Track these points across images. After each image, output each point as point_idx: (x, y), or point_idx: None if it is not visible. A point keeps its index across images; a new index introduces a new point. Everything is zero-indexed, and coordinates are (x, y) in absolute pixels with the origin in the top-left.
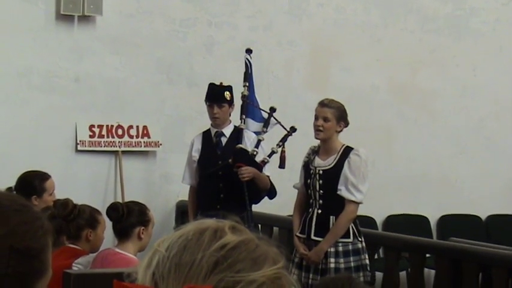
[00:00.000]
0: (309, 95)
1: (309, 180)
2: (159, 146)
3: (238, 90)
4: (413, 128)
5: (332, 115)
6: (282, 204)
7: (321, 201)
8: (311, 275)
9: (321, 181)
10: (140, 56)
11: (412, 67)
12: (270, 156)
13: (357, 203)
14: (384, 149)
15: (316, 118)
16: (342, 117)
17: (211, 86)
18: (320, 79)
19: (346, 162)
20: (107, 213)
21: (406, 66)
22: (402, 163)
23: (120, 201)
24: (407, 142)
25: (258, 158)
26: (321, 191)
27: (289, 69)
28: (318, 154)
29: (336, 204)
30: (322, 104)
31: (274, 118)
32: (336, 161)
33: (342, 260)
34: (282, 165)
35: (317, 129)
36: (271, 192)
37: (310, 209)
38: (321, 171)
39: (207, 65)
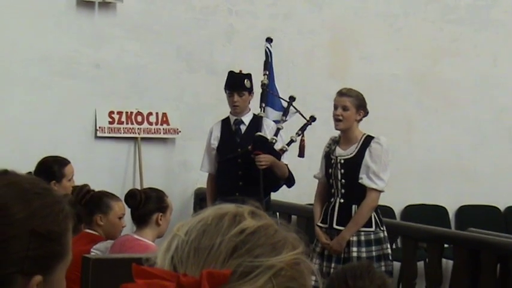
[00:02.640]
0: (328, 84)
1: (330, 170)
2: (178, 133)
3: (258, 78)
4: (433, 117)
5: (351, 104)
6: (300, 192)
7: (343, 191)
8: (333, 264)
9: (342, 170)
10: (160, 43)
11: (433, 57)
12: (289, 144)
13: (379, 191)
14: (403, 139)
15: (335, 108)
16: (361, 106)
17: (231, 74)
18: (340, 68)
19: (367, 150)
20: (125, 200)
21: (427, 56)
22: (421, 153)
23: (139, 188)
24: (427, 132)
25: (277, 147)
26: (343, 180)
27: (309, 58)
28: (339, 144)
29: (357, 193)
30: (341, 93)
31: (294, 107)
32: (357, 150)
33: (363, 250)
34: (301, 154)
35: (336, 119)
36: (290, 181)
37: (332, 199)
38: (342, 161)
39: (227, 53)
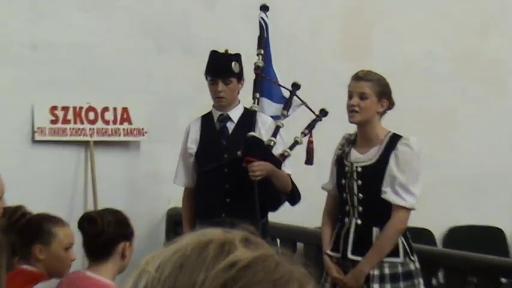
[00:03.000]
0: (343, 67)
1: (343, 181)
2: (143, 135)
3: (250, 60)
4: (482, 110)
5: (370, 90)
6: (308, 212)
7: (360, 208)
8: None
9: (359, 181)
10: (119, 16)
11: (481, 30)
12: (292, 148)
13: (408, 209)
14: (443, 138)
15: (350, 96)
16: (384, 93)
17: (214, 55)
18: (358, 46)
19: (392, 155)
20: (81, 227)
21: (474, 27)
22: (468, 157)
23: (92, 207)
24: (475, 129)
25: (276, 151)
26: (360, 195)
27: (318, 32)
28: (355, 145)
29: (379, 211)
30: (357, 77)
31: (298, 97)
32: (379, 154)
33: (388, 286)
34: (309, 160)
35: (351, 110)
36: (294, 196)
37: (347, 219)
38: (359, 168)
39: (208, 27)
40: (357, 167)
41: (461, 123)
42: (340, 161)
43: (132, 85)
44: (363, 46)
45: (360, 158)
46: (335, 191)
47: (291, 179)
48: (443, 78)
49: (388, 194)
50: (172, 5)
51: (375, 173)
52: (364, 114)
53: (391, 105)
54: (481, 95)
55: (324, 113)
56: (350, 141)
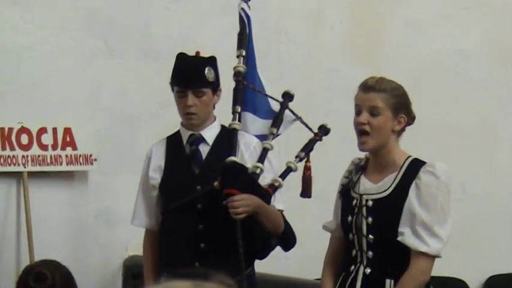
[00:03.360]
0: (349, 72)
1: (349, 218)
2: (92, 163)
3: (229, 64)
4: None
5: (384, 104)
6: (306, 259)
7: (370, 254)
8: None
9: (370, 218)
10: (58, 8)
11: None
12: (284, 176)
13: (432, 257)
14: (479, 162)
15: (359, 111)
16: (401, 107)
17: (182, 60)
18: (368, 44)
19: (412, 186)
20: (25, 285)
21: None
22: (511, 187)
23: (27, 258)
24: None
25: (264, 180)
26: (371, 236)
27: (315, 26)
28: (366, 172)
29: (395, 258)
30: (366, 86)
31: (291, 111)
32: (395, 183)
33: None
34: (305, 192)
35: (361, 130)
36: (287, 239)
37: (353, 267)
38: (369, 202)
39: (173, 23)
40: (367, 200)
41: (502, 142)
42: (347, 193)
43: (77, 99)
44: (375, 44)
45: (371, 188)
46: (340, 231)
47: (284, 216)
48: (479, 84)
49: (407, 236)
50: None
51: (390, 208)
52: (377, 136)
53: (410, 120)
54: None
55: (324, 130)
56: (359, 168)
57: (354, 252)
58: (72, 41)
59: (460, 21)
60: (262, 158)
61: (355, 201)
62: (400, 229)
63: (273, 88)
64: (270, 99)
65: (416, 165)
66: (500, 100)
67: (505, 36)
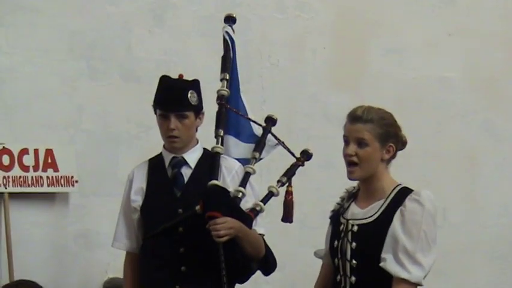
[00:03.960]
0: (332, 97)
1: (336, 242)
2: (73, 185)
3: (212, 88)
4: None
5: (371, 134)
6: (285, 283)
7: (353, 279)
8: None
9: (354, 243)
10: (40, 29)
11: (509, 47)
12: (265, 200)
13: (414, 284)
14: (461, 190)
15: (346, 142)
16: (389, 136)
17: (165, 82)
18: (351, 69)
19: (397, 212)
20: None
21: (499, 45)
22: (494, 214)
23: (7, 276)
24: (503, 177)
25: (246, 205)
26: (354, 261)
27: (298, 51)
28: (357, 199)
29: (377, 284)
30: (353, 117)
31: (274, 135)
32: (381, 210)
33: None
34: (287, 217)
35: (349, 162)
36: (268, 263)
37: None
38: (355, 227)
39: (156, 46)
40: (352, 225)
41: (483, 170)
42: (336, 219)
43: (59, 120)
44: (358, 70)
45: (358, 214)
46: (329, 257)
47: (265, 241)
48: (462, 111)
49: (389, 262)
50: (110, 17)
51: (374, 233)
52: (365, 166)
53: (400, 146)
54: (509, 132)
55: (306, 155)
56: (351, 195)
57: (338, 277)
58: (55, 62)
59: (442, 48)
60: (244, 182)
61: (342, 226)
62: (383, 255)
63: (255, 112)
64: (252, 124)
65: (403, 193)
66: (482, 128)
67: (487, 64)
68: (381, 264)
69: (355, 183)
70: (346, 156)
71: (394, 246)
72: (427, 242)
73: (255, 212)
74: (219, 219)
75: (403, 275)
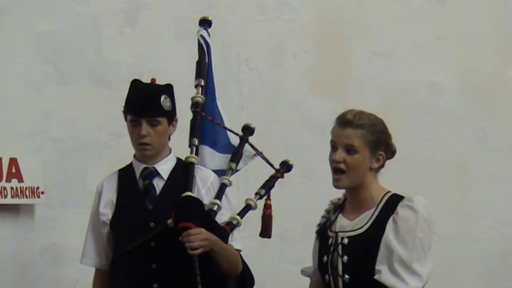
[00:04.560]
0: (314, 103)
1: (325, 257)
2: (39, 197)
3: (186, 94)
4: (504, 161)
5: (361, 141)
6: None
7: None
8: None
9: (345, 257)
10: (4, 30)
11: (502, 52)
12: (243, 214)
13: None
14: (451, 201)
15: (334, 148)
16: (379, 144)
17: (136, 87)
18: (334, 74)
19: (390, 221)
20: None
21: (492, 49)
22: (487, 226)
23: None
24: (496, 187)
25: (221, 218)
26: (346, 276)
27: (278, 54)
28: (344, 210)
29: None
30: (343, 121)
31: (251, 145)
32: (372, 220)
33: None
34: (265, 232)
35: (335, 168)
36: (245, 280)
37: None
38: (345, 240)
39: (127, 48)
40: (342, 238)
41: (476, 181)
42: (323, 233)
43: (24, 127)
44: (342, 74)
45: (347, 225)
46: (318, 274)
47: (241, 256)
48: (452, 118)
49: (384, 274)
50: (79, 18)
51: (366, 245)
52: (353, 175)
53: (390, 155)
54: (502, 141)
55: (286, 166)
56: (337, 207)
57: None
58: (20, 66)
59: (431, 51)
60: (220, 195)
61: (330, 239)
62: (377, 267)
63: (233, 119)
64: (229, 133)
65: (394, 200)
66: (473, 136)
67: (479, 68)
68: (376, 277)
69: (340, 194)
70: (332, 162)
71: (388, 257)
72: (423, 250)
73: (231, 225)
74: (192, 230)
75: (401, 286)
